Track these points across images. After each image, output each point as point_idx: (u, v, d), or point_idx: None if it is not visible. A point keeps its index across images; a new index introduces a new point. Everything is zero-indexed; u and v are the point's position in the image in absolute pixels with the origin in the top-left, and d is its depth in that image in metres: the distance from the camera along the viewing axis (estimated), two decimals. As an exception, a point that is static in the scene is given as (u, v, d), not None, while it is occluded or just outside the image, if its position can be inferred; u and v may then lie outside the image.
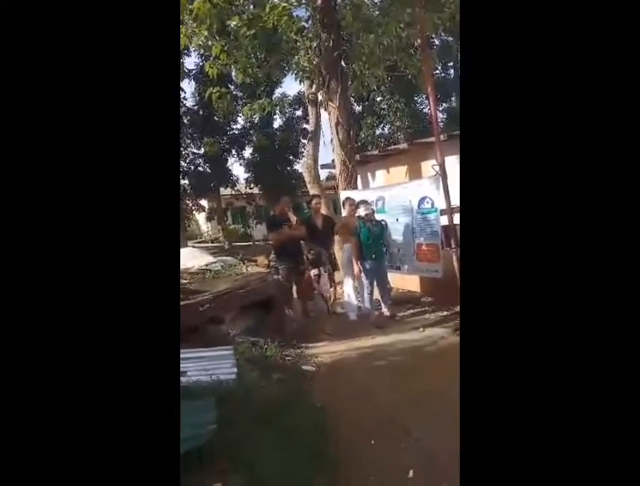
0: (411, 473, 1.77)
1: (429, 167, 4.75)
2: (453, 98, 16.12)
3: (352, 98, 11.41)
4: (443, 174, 4.24)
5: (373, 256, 4.43)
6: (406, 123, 13.11)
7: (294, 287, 4.65)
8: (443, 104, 15.13)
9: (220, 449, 1.86)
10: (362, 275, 4.55)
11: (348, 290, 4.64)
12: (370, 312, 4.55)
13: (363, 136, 13.45)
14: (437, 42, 12.97)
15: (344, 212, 4.91)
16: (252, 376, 2.68)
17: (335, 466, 1.87)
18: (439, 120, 4.98)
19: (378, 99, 13.39)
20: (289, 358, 3.36)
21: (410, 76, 8.63)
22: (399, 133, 13.08)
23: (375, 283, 4.55)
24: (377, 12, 6.64)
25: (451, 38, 13.98)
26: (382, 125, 14.13)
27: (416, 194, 4.61)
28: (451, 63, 15.80)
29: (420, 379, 2.83)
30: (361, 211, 4.51)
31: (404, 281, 5.53)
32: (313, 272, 4.29)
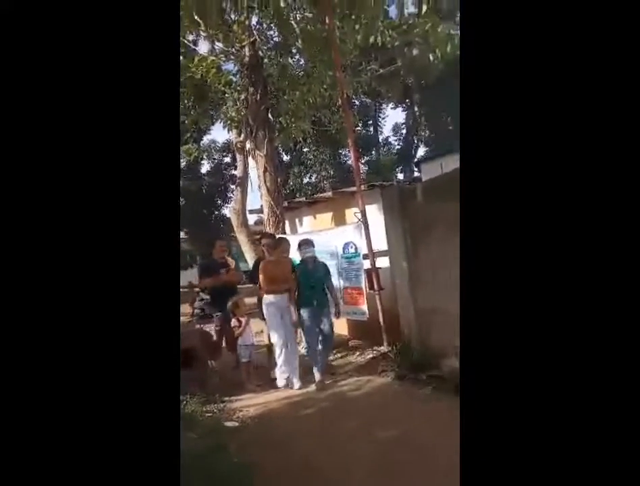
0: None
1: (351, 214, 5.03)
2: (373, 152, 17.58)
3: (279, 148, 11.86)
4: (364, 221, 4.52)
5: (315, 302, 3.80)
6: (331, 173, 13.88)
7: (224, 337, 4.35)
8: (365, 157, 16.39)
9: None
10: (302, 325, 3.87)
11: (277, 351, 3.80)
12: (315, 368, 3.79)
13: (291, 183, 13.90)
14: (357, 102, 14.24)
15: (270, 254, 4.17)
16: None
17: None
18: (360, 171, 5.34)
19: (305, 150, 14.08)
20: (209, 415, 3.13)
21: (333, 131, 9.29)
22: (325, 182, 13.75)
23: (315, 336, 3.84)
24: (301, 73, 7.16)
25: (369, 100, 15.52)
26: (309, 174, 14.77)
27: (341, 240, 4.81)
28: (370, 122, 17.39)
29: (344, 424, 2.81)
30: (302, 252, 3.97)
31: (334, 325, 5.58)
32: (233, 322, 4.07)
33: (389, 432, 2.62)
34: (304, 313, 3.80)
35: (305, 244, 4.01)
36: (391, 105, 17.13)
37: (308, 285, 3.86)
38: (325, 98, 7.24)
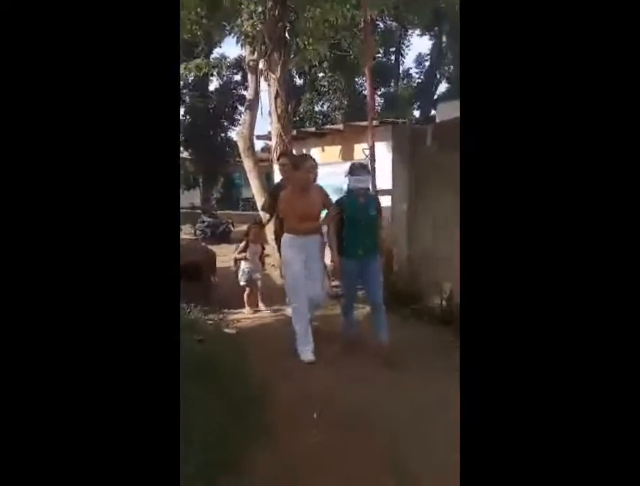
0: (315, 415, 2.06)
1: (360, 150, 5.02)
2: (392, 84, 16.68)
3: (293, 71, 11.27)
4: (372, 158, 4.53)
5: (360, 251, 2.85)
6: (345, 103, 13.33)
7: None
8: (382, 88, 15.57)
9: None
10: (342, 277, 2.96)
11: (293, 315, 2.97)
12: (349, 336, 3.09)
13: (302, 110, 13.42)
14: (381, 25, 13.22)
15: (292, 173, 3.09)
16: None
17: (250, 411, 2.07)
18: (376, 104, 5.19)
19: (319, 75, 13.37)
20: (210, 322, 3.48)
21: (352, 56, 8.78)
22: (337, 112, 13.27)
23: (353, 297, 3.03)
24: (324, -13, 6.59)
25: (395, 24, 14.35)
26: (321, 102, 14.18)
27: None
28: (393, 49, 16.25)
29: (332, 344, 3.14)
30: (355, 180, 2.87)
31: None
32: (242, 243, 4.30)
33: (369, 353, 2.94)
34: (347, 261, 2.86)
35: (359, 169, 2.93)
36: (417, 32, 15.88)
37: (357, 224, 2.86)
38: (347, 18, 6.76)
